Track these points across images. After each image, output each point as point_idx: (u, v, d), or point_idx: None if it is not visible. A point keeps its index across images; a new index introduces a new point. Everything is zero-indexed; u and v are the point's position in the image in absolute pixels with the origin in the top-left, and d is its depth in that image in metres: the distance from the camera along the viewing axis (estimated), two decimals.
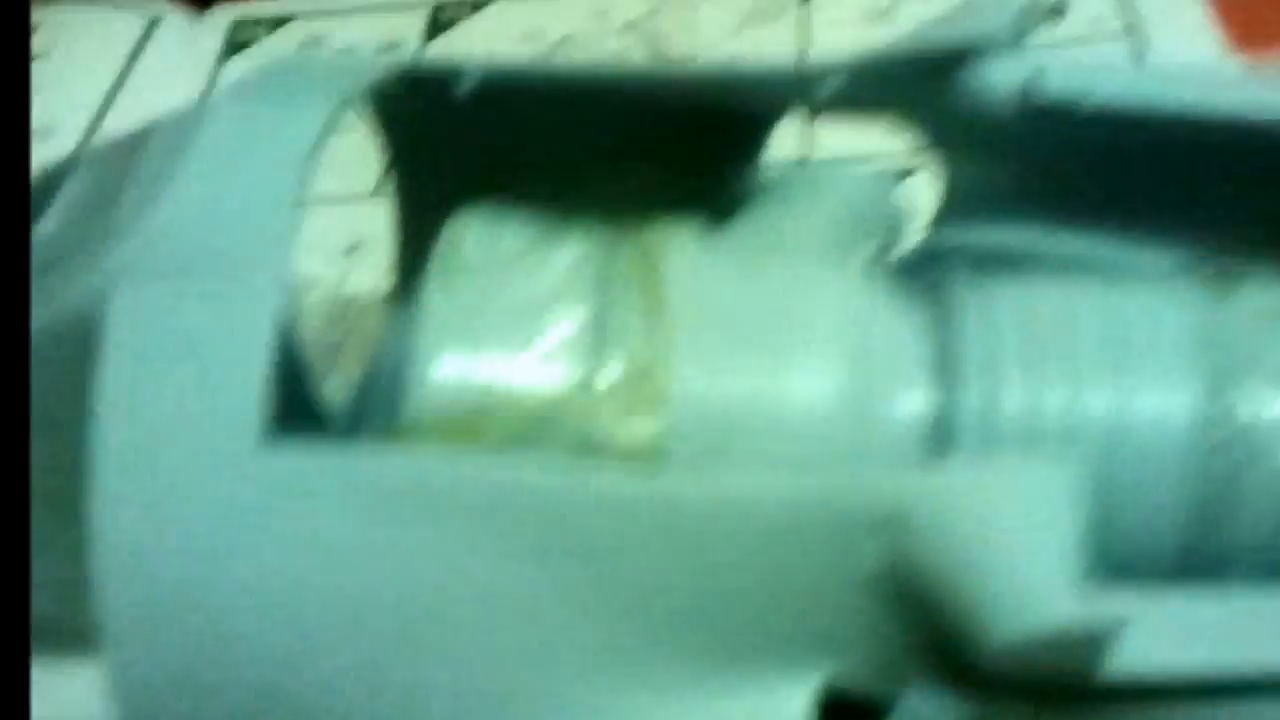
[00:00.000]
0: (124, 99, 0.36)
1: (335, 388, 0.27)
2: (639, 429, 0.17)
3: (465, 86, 0.20)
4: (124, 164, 0.17)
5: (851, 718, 0.18)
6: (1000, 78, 0.19)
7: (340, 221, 0.30)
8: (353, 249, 0.30)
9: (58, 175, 0.19)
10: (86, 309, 0.16)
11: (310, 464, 0.15)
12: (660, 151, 0.21)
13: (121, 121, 0.35)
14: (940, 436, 0.18)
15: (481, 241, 0.19)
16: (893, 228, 0.21)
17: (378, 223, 0.24)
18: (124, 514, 0.15)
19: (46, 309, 0.16)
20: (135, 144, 0.18)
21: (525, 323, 0.18)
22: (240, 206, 0.16)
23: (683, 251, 0.18)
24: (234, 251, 0.15)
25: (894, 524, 0.15)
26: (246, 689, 0.15)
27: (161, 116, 0.18)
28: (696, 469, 0.17)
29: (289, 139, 0.16)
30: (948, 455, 0.18)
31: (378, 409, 0.23)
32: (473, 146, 0.21)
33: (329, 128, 0.17)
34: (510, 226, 0.19)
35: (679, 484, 0.16)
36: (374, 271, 0.29)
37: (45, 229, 0.18)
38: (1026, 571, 0.14)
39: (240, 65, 0.37)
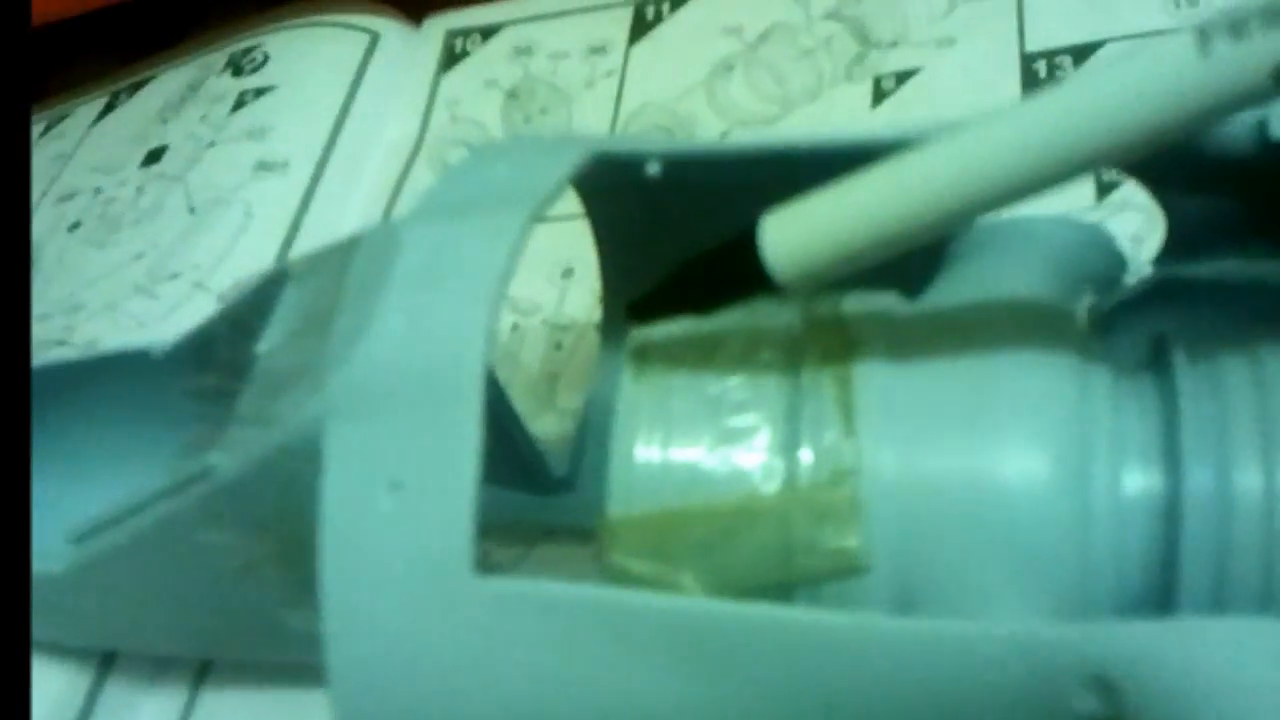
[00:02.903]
0: (351, 123, 0.38)
1: (551, 422, 0.28)
2: (840, 535, 0.17)
3: (652, 168, 0.20)
4: (333, 284, 0.19)
5: None
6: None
7: (557, 242, 0.30)
8: (569, 272, 0.31)
9: (274, 283, 0.20)
10: (310, 433, 0.17)
11: (517, 598, 0.16)
12: None
13: (351, 149, 0.37)
14: (1169, 517, 0.17)
15: (671, 328, 0.19)
16: (1110, 277, 0.21)
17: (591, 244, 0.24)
18: (349, 644, 0.16)
19: (279, 430, 0.18)
20: (342, 260, 0.19)
21: (720, 416, 0.18)
22: (439, 340, 0.17)
23: (876, 337, 0.18)
24: (435, 386, 0.16)
25: (1107, 682, 0.14)
26: None
27: (362, 231, 0.19)
28: (901, 610, 0.17)
29: (481, 265, 0.17)
30: (1176, 538, 0.17)
31: (586, 485, 0.24)
32: (667, 222, 0.21)
33: (518, 247, 0.17)
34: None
35: (882, 627, 0.16)
36: (590, 292, 0.30)
37: (268, 343, 0.19)
38: None
39: (458, 77, 0.38)
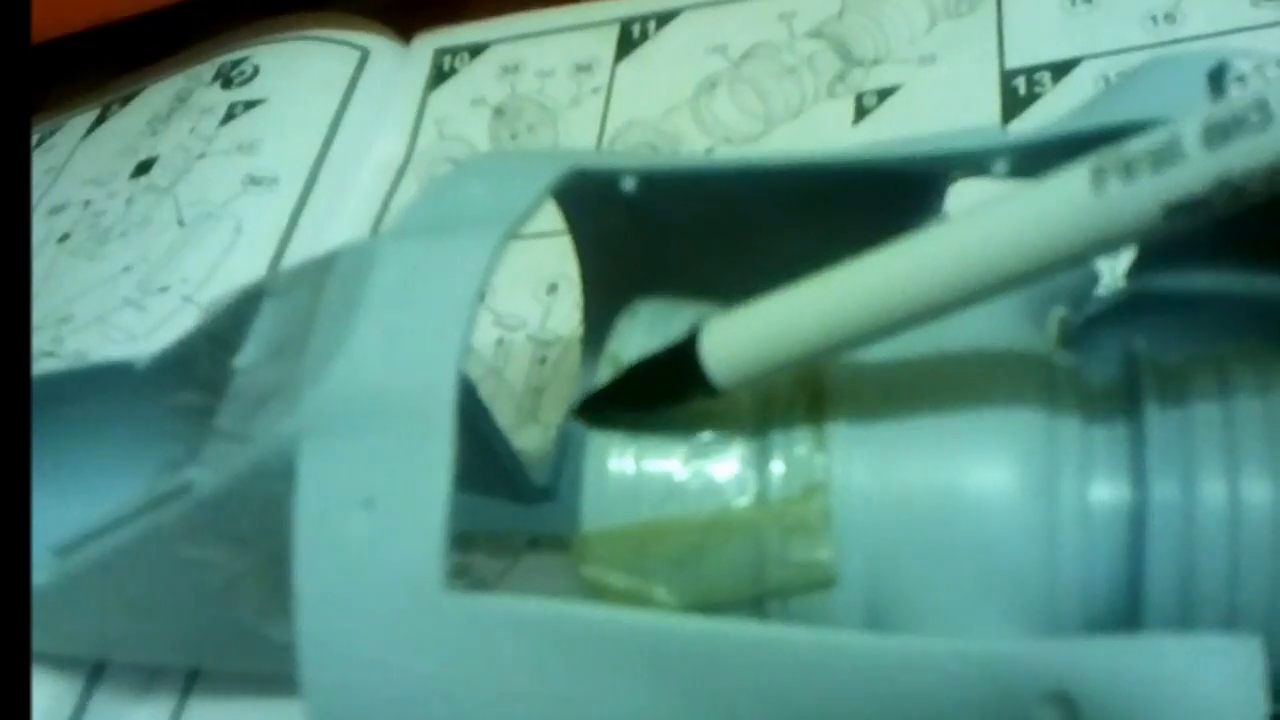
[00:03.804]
0: (340, 139, 0.38)
1: (535, 435, 0.29)
2: (811, 548, 0.17)
3: (628, 184, 0.20)
4: (309, 300, 0.19)
5: None
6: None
7: (542, 258, 0.31)
8: (553, 288, 0.32)
9: (252, 299, 0.21)
10: (285, 451, 0.18)
11: (488, 615, 0.16)
12: (826, 220, 0.21)
13: (341, 166, 0.37)
14: (1135, 530, 0.17)
15: (648, 339, 0.19)
16: (1082, 290, 0.21)
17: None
18: (323, 661, 0.16)
19: (255, 447, 0.18)
20: (319, 277, 0.19)
21: (693, 430, 0.18)
22: (412, 359, 0.17)
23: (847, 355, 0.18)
24: (408, 406, 0.17)
25: (1068, 698, 0.15)
26: None
27: (339, 247, 0.20)
28: (872, 622, 0.17)
29: (455, 285, 0.17)
30: (1142, 551, 0.17)
31: (567, 495, 0.24)
32: (645, 237, 0.21)
33: (492, 266, 0.18)
34: (676, 322, 0.20)
35: (848, 643, 0.16)
36: (575, 308, 0.30)
37: (246, 359, 0.20)
38: None
39: (446, 95, 0.38)
